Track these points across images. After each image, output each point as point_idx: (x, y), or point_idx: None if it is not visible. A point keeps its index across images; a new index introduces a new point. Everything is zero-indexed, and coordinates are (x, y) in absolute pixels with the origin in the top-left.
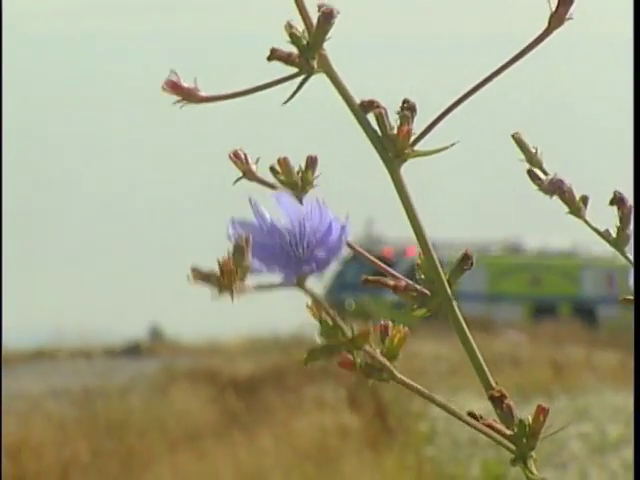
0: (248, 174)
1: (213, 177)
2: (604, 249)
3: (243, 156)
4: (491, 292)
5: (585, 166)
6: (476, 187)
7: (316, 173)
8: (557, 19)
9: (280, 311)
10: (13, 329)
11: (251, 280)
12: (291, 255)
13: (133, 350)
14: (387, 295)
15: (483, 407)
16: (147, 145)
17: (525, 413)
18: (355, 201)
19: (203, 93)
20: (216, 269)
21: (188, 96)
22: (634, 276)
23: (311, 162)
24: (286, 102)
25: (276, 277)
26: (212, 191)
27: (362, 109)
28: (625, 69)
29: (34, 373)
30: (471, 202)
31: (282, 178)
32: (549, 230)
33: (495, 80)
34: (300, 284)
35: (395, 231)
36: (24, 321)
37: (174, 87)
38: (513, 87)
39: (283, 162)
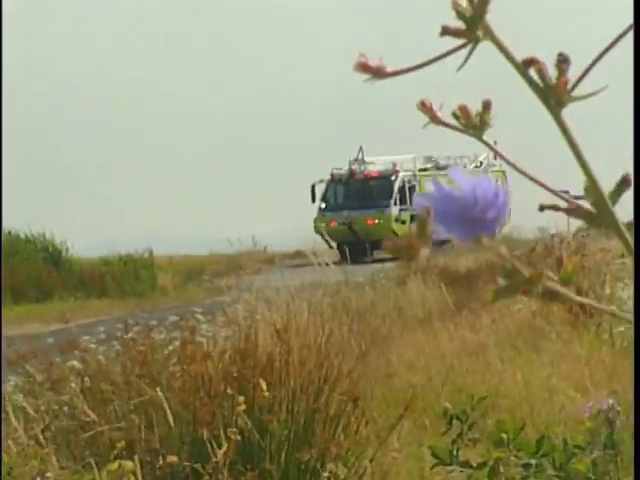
0: (434, 119)
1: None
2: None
3: (429, 104)
4: None
5: None
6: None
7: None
8: None
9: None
10: (276, 235)
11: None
12: (467, 217)
13: None
14: (389, 210)
15: None
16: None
17: None
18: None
19: (389, 69)
20: (403, 243)
21: (377, 73)
22: (634, 272)
23: (486, 105)
24: (459, 69)
25: (455, 237)
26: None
27: (524, 66)
28: None
29: (295, 270)
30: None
31: (463, 121)
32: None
33: None
34: (478, 241)
35: (373, 155)
36: (285, 227)
37: (364, 67)
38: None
39: (463, 108)
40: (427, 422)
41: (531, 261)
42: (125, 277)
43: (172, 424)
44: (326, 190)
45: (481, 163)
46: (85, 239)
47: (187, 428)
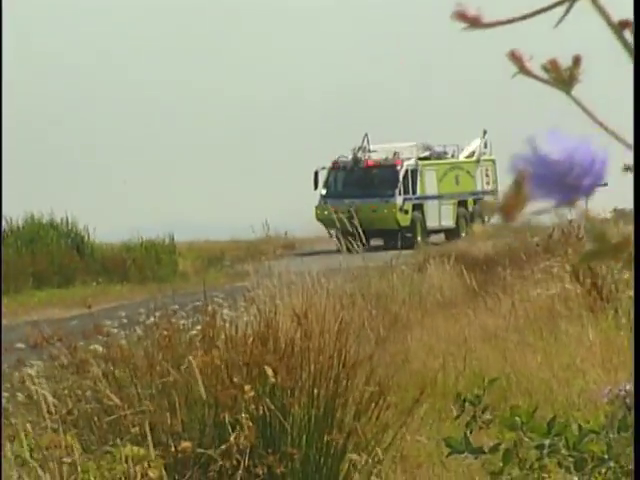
0: (524, 70)
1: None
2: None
3: (519, 55)
4: (438, 193)
5: None
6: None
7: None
8: None
9: None
10: (296, 221)
11: (530, 206)
12: (562, 183)
13: None
14: (394, 200)
15: None
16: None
17: None
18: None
19: (486, 20)
20: (502, 203)
21: (474, 23)
22: (634, 267)
23: (576, 60)
24: (556, 25)
25: (550, 201)
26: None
27: (620, 27)
28: None
29: (315, 255)
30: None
31: (552, 75)
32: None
33: None
34: (571, 206)
35: (373, 143)
36: (306, 213)
37: (462, 16)
38: None
39: (553, 61)
40: (445, 406)
41: (549, 248)
42: (146, 262)
43: (194, 408)
44: (328, 177)
45: (473, 152)
46: (107, 225)
47: (209, 412)
